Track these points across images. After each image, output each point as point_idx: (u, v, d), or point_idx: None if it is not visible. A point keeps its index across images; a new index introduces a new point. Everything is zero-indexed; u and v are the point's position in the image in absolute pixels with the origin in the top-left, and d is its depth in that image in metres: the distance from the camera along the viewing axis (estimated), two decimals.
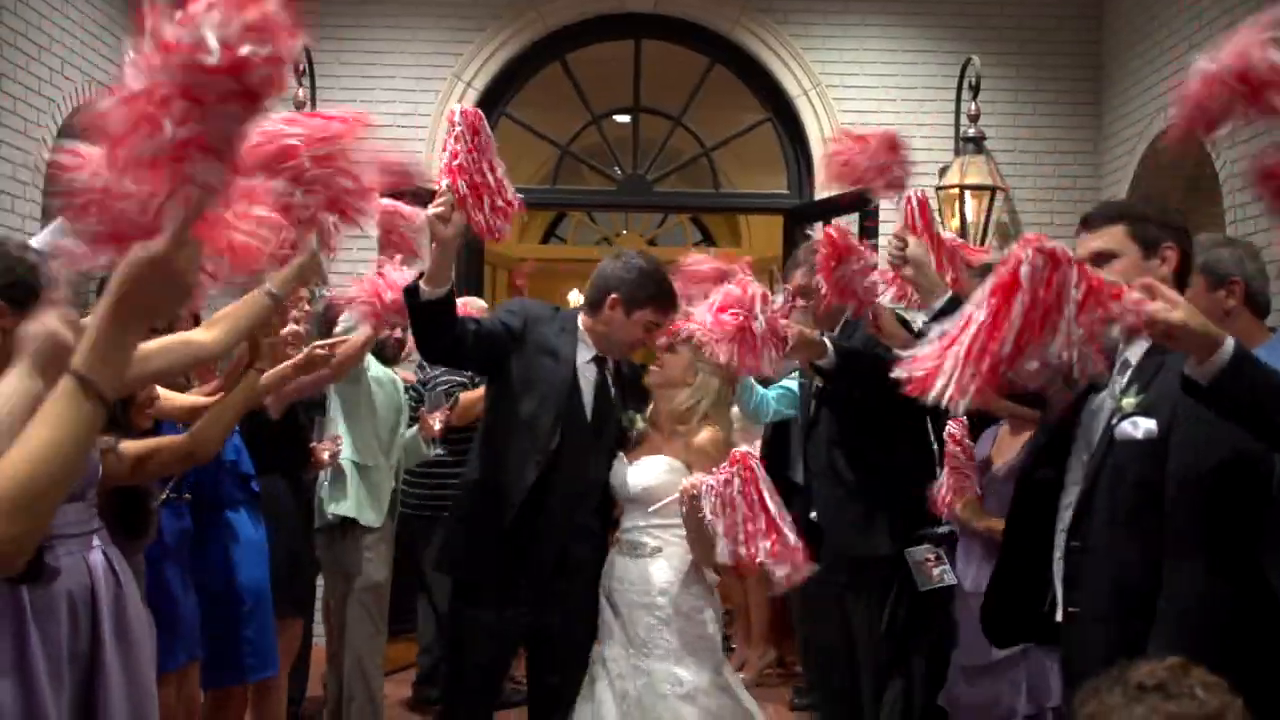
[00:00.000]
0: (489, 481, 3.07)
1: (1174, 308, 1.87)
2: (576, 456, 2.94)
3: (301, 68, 6.32)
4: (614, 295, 3.03)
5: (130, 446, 2.61)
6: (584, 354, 3.10)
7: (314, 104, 6.35)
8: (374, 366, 4.24)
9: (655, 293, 3.05)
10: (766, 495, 2.73)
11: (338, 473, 4.13)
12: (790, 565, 2.72)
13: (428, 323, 2.88)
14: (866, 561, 3.62)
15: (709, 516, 2.74)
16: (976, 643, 3.21)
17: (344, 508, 4.12)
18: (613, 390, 3.13)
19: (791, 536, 2.72)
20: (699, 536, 2.90)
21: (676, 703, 2.86)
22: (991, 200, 6.39)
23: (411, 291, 2.84)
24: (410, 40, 6.68)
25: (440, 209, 2.74)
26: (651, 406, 3.19)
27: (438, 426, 4.36)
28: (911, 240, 2.84)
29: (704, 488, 2.77)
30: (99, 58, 5.65)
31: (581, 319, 3.12)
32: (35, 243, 2.71)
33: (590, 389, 3.10)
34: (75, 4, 5.43)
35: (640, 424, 3.17)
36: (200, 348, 2.45)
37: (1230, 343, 1.90)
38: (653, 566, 2.98)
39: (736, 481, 2.74)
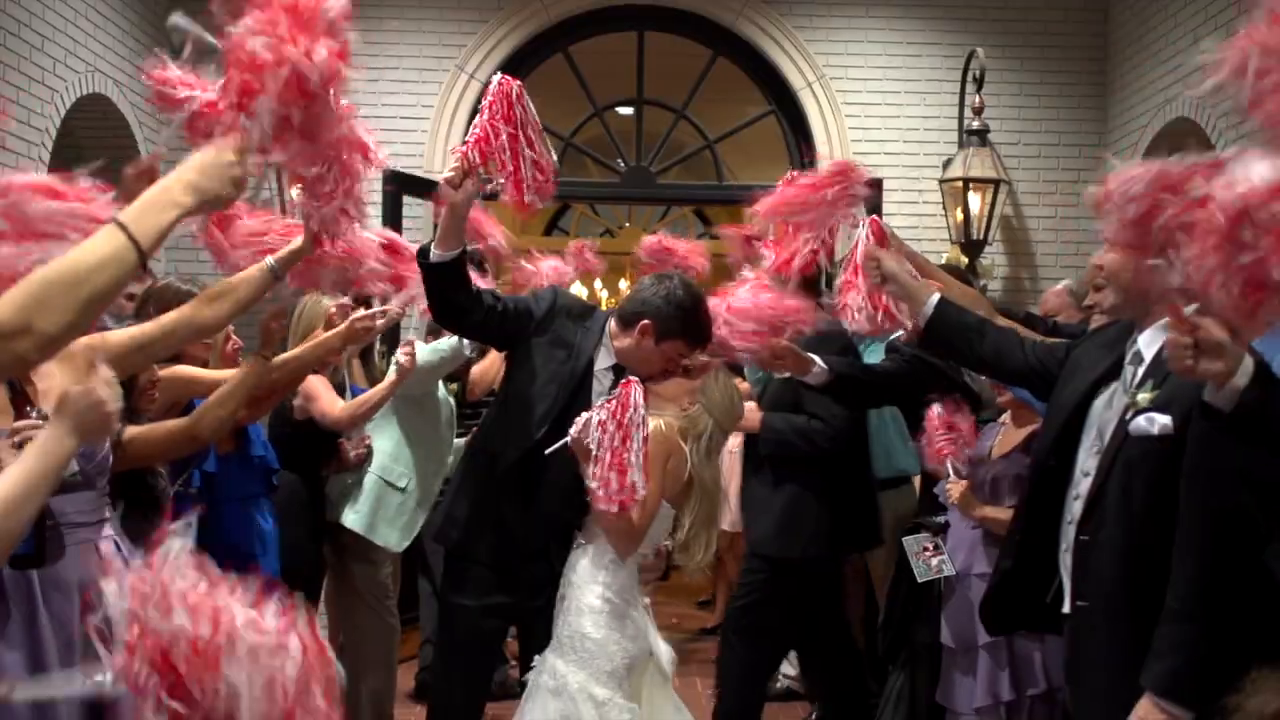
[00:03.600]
0: (481, 453, 3.12)
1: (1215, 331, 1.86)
2: (569, 455, 2.91)
3: None
4: (646, 322, 2.98)
5: (145, 432, 2.64)
6: (604, 359, 3.08)
7: None
8: (440, 388, 4.23)
9: (688, 328, 3.02)
10: (630, 425, 2.73)
11: (356, 480, 4.08)
12: (609, 503, 2.73)
13: (438, 285, 2.90)
14: (781, 563, 3.66)
15: (593, 452, 2.72)
16: (962, 626, 3.22)
17: (352, 521, 4.04)
18: None
19: (630, 477, 2.71)
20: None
21: (545, 694, 2.85)
22: (995, 193, 6.38)
23: (423, 254, 2.86)
24: (414, 32, 6.67)
25: (450, 174, 2.74)
26: None
27: None
28: (883, 255, 2.83)
29: (585, 419, 2.76)
30: (102, 48, 5.65)
31: (611, 326, 3.09)
32: None
33: (601, 395, 3.07)
34: None
35: None
36: (202, 321, 2.53)
37: (1249, 364, 1.89)
38: (576, 559, 2.97)
39: (611, 404, 2.75)
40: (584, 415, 2.78)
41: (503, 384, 3.24)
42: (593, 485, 2.74)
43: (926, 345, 2.81)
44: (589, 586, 2.90)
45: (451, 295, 2.91)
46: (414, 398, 4.10)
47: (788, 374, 3.47)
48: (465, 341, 3.99)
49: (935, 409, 3.36)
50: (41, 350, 1.45)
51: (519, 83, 2.83)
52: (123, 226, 1.47)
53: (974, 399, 3.48)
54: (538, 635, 3.07)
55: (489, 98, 2.77)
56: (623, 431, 2.72)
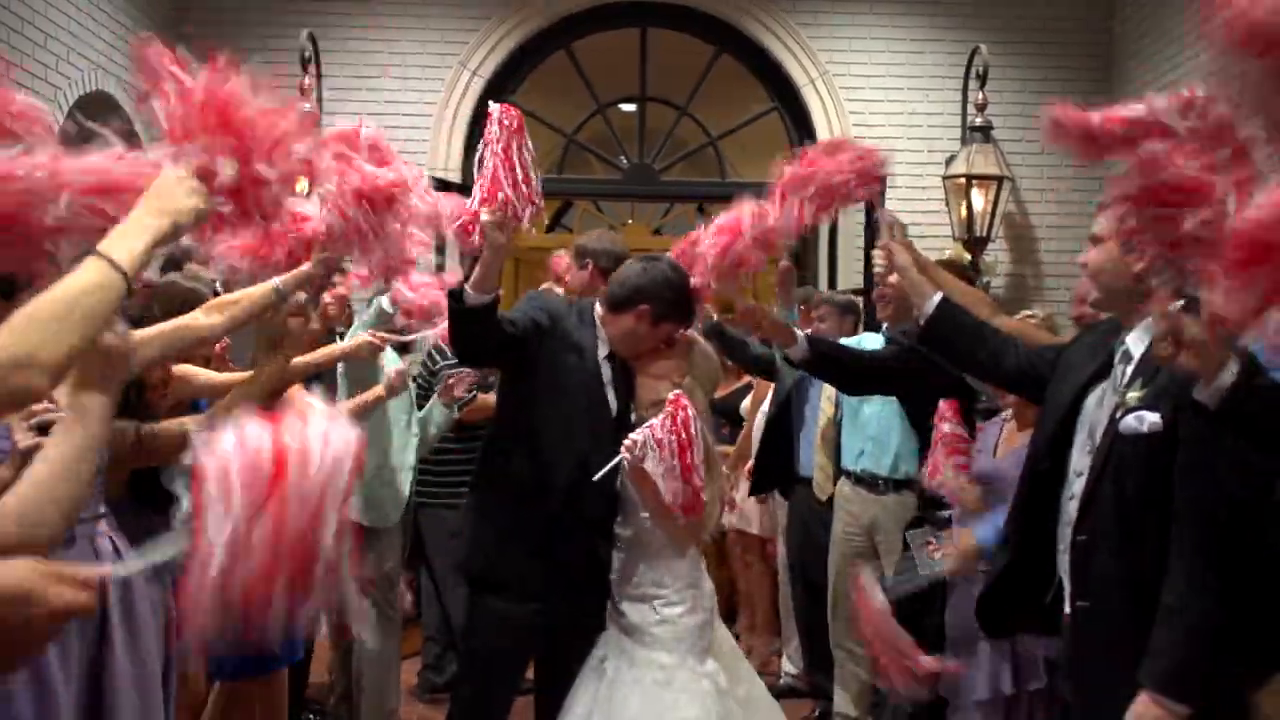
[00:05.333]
0: (518, 482, 3.02)
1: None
2: (605, 454, 2.87)
3: (308, 55, 6.31)
4: (644, 307, 2.99)
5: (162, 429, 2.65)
6: (602, 348, 3.08)
7: (320, 92, 6.35)
8: (389, 362, 4.19)
9: (681, 309, 3.05)
10: (694, 438, 2.80)
11: None
12: (685, 513, 2.80)
13: (470, 328, 2.82)
14: None
15: (653, 467, 2.77)
16: (965, 618, 3.22)
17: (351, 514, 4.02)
18: (626, 385, 3.13)
19: (700, 488, 2.80)
20: (655, 505, 2.90)
21: (652, 688, 2.89)
22: (999, 190, 6.37)
23: (456, 296, 2.76)
24: (417, 29, 6.67)
25: (498, 217, 2.67)
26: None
27: (460, 391, 4.26)
28: (896, 247, 2.82)
29: (642, 439, 2.79)
30: (105, 45, 5.65)
31: (598, 313, 3.07)
32: None
33: (612, 385, 3.08)
34: None
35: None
36: (201, 330, 2.56)
37: (1234, 363, 1.89)
38: (639, 558, 3.00)
39: (668, 422, 2.80)
40: (636, 435, 2.81)
41: (516, 409, 3.10)
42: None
43: (926, 343, 2.81)
44: (664, 588, 2.97)
45: (483, 337, 2.86)
46: (362, 377, 4.06)
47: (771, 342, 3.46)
48: (385, 301, 3.78)
49: (944, 428, 3.34)
50: (52, 378, 1.48)
51: (518, 113, 2.77)
52: (101, 255, 1.51)
53: (971, 394, 3.48)
54: (564, 641, 3.09)
55: (496, 129, 2.72)
56: (688, 447, 2.79)
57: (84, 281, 1.49)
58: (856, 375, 3.46)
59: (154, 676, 2.36)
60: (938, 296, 2.69)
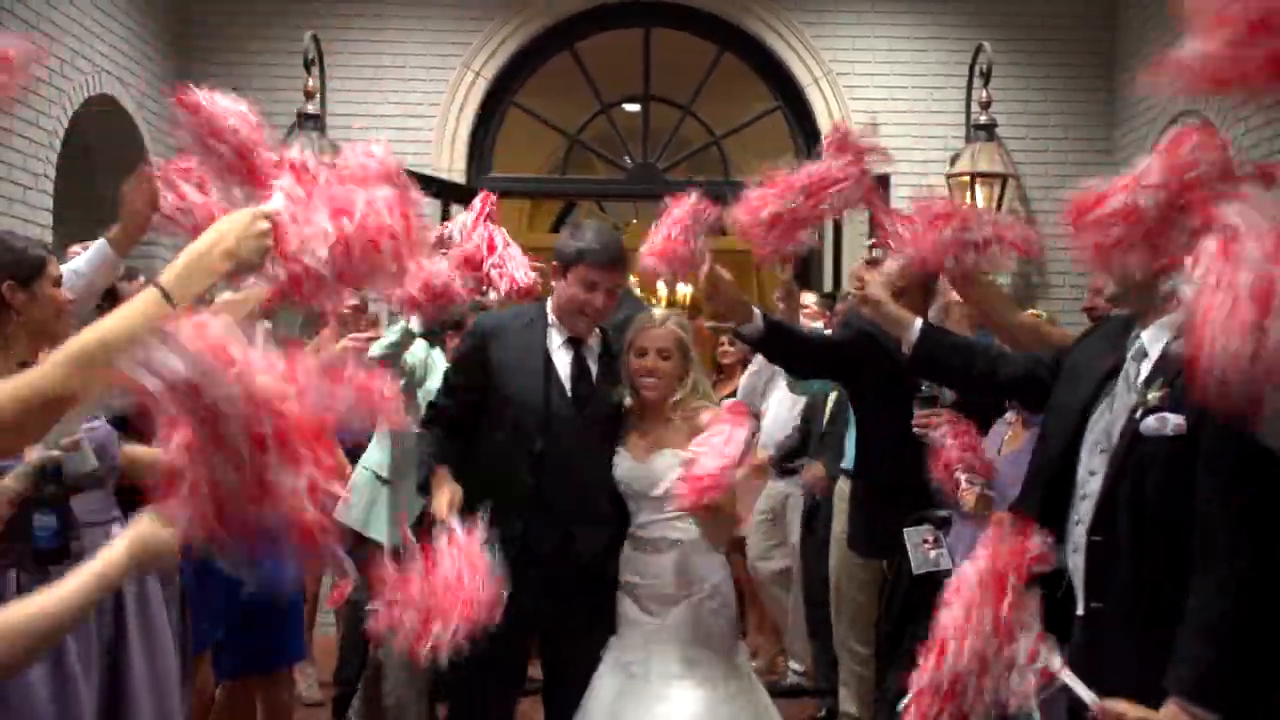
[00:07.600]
0: (487, 481, 3.07)
1: None
2: (567, 445, 2.96)
3: (311, 57, 6.32)
4: (554, 264, 3.14)
5: (142, 453, 2.59)
6: (556, 339, 3.12)
7: (324, 93, 6.36)
8: (419, 352, 4.14)
9: (582, 250, 3.04)
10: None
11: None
12: (693, 499, 2.75)
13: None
14: None
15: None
16: None
17: (352, 518, 3.95)
18: (594, 371, 3.14)
19: (714, 474, 2.74)
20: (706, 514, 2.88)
21: (680, 685, 2.89)
22: (1003, 188, 6.36)
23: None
24: (420, 29, 6.67)
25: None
26: (634, 401, 3.14)
27: None
28: (869, 277, 2.81)
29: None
30: (109, 48, 5.66)
31: (549, 303, 3.17)
32: (77, 264, 2.75)
33: (567, 372, 3.10)
34: None
35: (628, 400, 3.14)
36: None
37: None
38: (675, 559, 3.00)
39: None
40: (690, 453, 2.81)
41: (486, 413, 3.21)
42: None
43: (917, 370, 2.81)
44: (717, 583, 3.04)
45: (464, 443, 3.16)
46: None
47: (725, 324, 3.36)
48: (405, 322, 3.80)
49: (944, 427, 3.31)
50: (69, 412, 1.52)
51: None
52: (167, 295, 1.51)
53: (914, 383, 3.44)
54: (554, 638, 3.11)
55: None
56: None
57: (141, 323, 1.47)
58: (807, 358, 3.42)
59: (170, 675, 2.37)
60: (918, 324, 2.70)
